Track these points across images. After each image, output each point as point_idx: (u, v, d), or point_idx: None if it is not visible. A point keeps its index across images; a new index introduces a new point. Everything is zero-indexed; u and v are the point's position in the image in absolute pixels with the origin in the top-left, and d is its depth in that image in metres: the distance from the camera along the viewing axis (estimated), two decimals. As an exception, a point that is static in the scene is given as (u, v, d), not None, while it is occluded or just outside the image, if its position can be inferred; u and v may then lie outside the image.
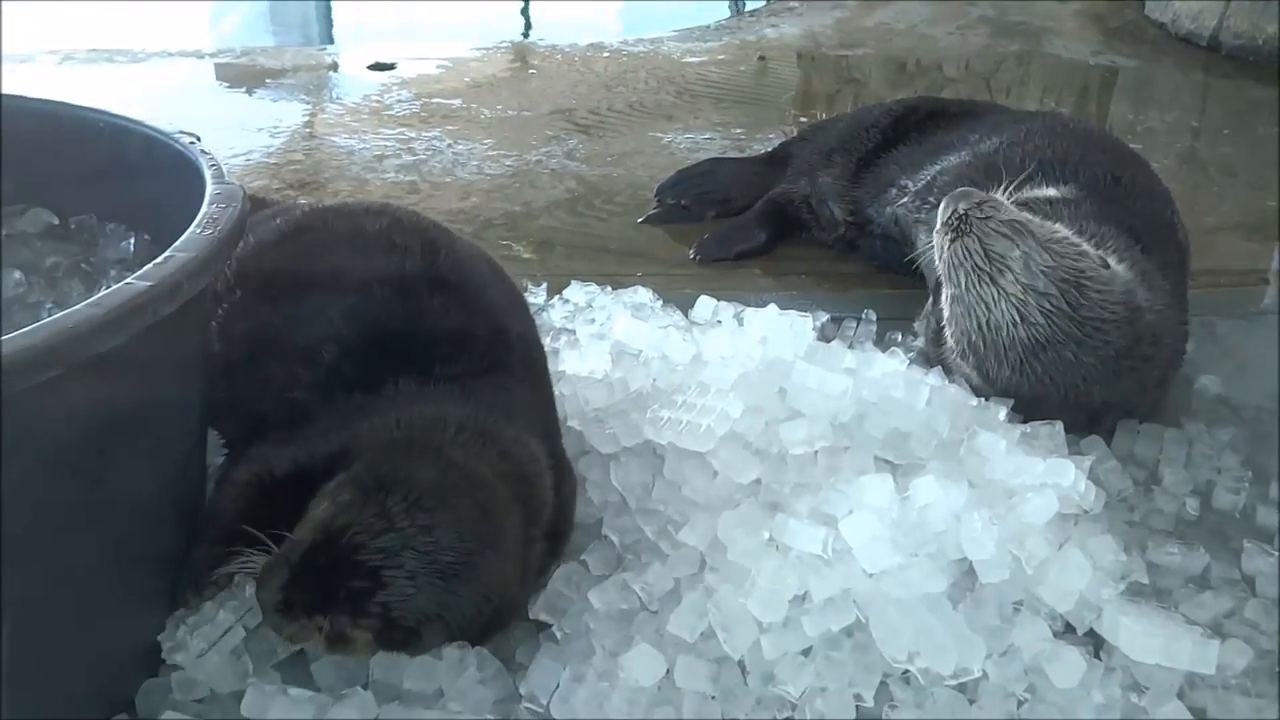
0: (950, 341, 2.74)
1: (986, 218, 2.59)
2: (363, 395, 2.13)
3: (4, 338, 1.48)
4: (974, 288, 2.60)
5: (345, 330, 2.21)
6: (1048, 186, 2.97)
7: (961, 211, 2.63)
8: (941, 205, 2.71)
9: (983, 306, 2.60)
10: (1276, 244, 3.95)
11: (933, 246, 2.73)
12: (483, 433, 2.08)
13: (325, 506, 1.90)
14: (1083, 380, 2.57)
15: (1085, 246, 2.58)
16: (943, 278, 2.70)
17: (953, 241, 2.63)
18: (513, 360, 2.31)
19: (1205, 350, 3.11)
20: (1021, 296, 2.54)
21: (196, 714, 1.91)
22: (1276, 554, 2.34)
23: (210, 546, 2.05)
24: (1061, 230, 2.61)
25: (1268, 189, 4.33)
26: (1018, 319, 2.55)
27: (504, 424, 2.13)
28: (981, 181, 3.02)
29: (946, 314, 2.73)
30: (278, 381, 2.20)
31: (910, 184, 3.38)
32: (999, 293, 2.57)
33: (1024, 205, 2.81)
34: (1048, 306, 2.53)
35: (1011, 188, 2.79)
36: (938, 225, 2.70)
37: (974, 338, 2.64)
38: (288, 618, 1.86)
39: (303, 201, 3.63)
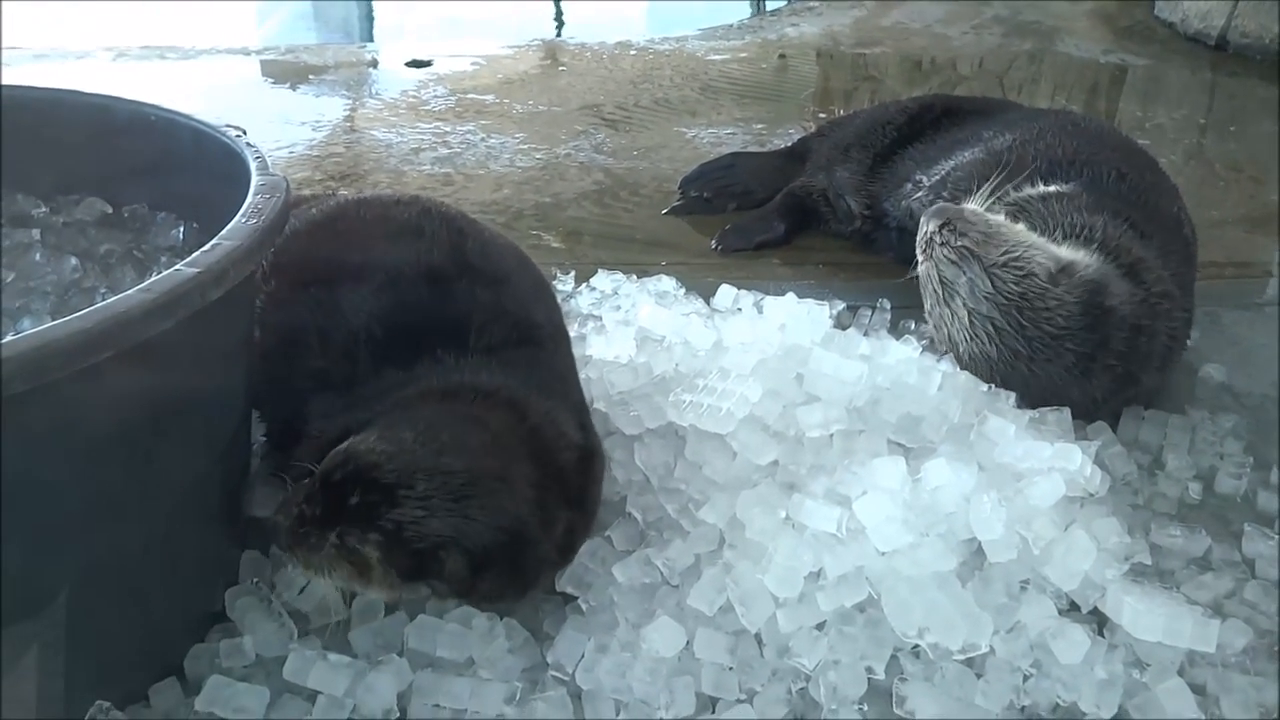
0: None
1: (943, 244, 2.70)
2: (399, 370, 2.16)
3: (61, 321, 1.55)
4: (935, 308, 2.75)
5: (384, 311, 2.23)
6: (1050, 183, 3.00)
7: (927, 235, 2.74)
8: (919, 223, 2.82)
9: (943, 325, 2.74)
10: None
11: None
12: (502, 397, 2.11)
13: (344, 444, 1.94)
14: (1050, 384, 2.63)
15: (1034, 266, 2.63)
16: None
17: (920, 264, 2.77)
18: (541, 337, 2.33)
19: (1210, 339, 3.13)
20: (968, 320, 2.66)
21: (241, 677, 1.95)
22: (1276, 537, 2.35)
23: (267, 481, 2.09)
24: (1018, 249, 2.66)
25: (1272, 184, 4.34)
26: (969, 338, 2.67)
27: (528, 392, 2.16)
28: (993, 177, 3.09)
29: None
30: (320, 362, 2.23)
31: (925, 179, 3.40)
32: (952, 315, 2.70)
33: (1019, 203, 2.87)
34: (991, 329, 2.63)
35: (994, 190, 2.86)
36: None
37: (945, 349, 2.76)
38: (301, 536, 1.89)
39: (342, 192, 3.69)
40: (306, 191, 3.59)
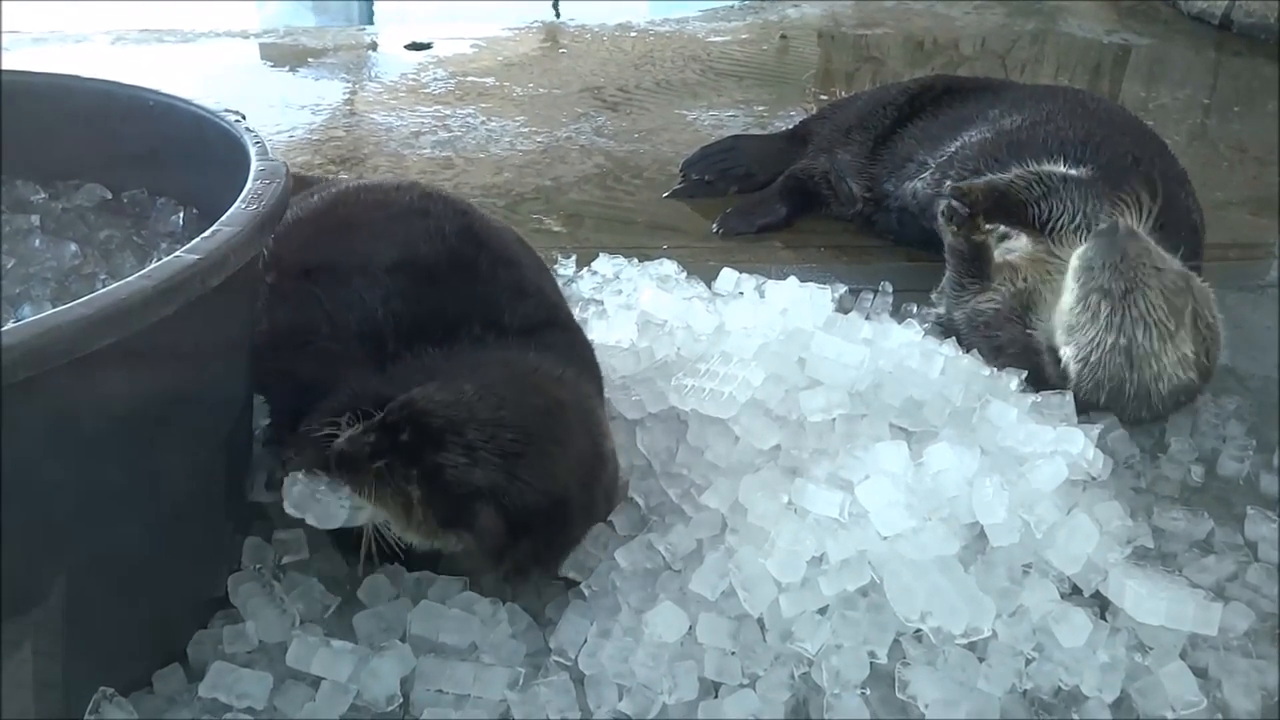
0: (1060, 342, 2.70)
1: (1159, 273, 2.59)
2: (435, 347, 2.16)
3: (62, 308, 1.55)
4: (1147, 340, 2.59)
5: (410, 290, 2.23)
6: (1065, 164, 2.98)
7: (1133, 259, 2.58)
8: (1096, 242, 2.64)
9: (1145, 356, 2.60)
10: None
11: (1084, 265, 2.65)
12: (556, 373, 2.14)
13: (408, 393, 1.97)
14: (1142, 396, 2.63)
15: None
16: (1088, 307, 2.63)
17: (1125, 294, 2.56)
18: (567, 319, 2.37)
19: (1213, 322, 3.12)
20: (1187, 354, 2.61)
21: (245, 663, 1.95)
22: (1278, 520, 2.35)
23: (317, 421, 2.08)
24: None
25: (1276, 165, 4.32)
26: (1173, 374, 2.61)
27: (579, 374, 2.20)
28: (1005, 158, 3.07)
29: (1065, 336, 2.69)
30: (349, 344, 2.22)
31: (930, 160, 3.39)
32: (1161, 358, 2.60)
33: (1042, 176, 2.85)
34: (1190, 375, 2.63)
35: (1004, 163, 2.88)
36: (1091, 252, 2.64)
37: (1102, 372, 2.62)
38: (350, 458, 1.92)
39: (343, 176, 3.69)
40: (315, 172, 3.59)
